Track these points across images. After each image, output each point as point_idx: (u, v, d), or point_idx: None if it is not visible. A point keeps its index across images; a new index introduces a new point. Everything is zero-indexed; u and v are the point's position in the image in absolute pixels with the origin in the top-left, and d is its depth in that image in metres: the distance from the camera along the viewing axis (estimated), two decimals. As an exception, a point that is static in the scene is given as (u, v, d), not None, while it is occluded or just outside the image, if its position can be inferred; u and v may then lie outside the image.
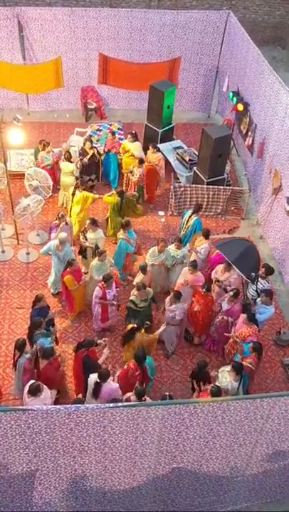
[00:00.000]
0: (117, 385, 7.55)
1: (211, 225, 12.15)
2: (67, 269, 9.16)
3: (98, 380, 7.34)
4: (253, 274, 9.12)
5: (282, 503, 7.69)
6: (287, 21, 19.73)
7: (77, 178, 11.48)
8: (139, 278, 9.30)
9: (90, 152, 11.93)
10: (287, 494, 7.60)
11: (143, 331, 8.31)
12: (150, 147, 12.23)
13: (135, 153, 12.17)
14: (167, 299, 8.92)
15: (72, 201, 10.87)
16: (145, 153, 12.39)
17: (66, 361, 8.82)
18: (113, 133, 12.74)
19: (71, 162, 11.60)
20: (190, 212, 10.70)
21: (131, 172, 11.76)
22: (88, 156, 11.87)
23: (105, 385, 7.35)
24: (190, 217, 10.61)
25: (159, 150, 12.39)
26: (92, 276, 9.39)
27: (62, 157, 11.70)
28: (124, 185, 12.26)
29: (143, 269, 9.26)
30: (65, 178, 11.58)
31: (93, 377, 7.49)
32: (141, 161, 11.65)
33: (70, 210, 10.95)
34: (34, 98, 14.66)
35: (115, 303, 9.18)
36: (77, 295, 9.50)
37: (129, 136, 12.31)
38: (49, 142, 12.08)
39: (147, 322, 8.49)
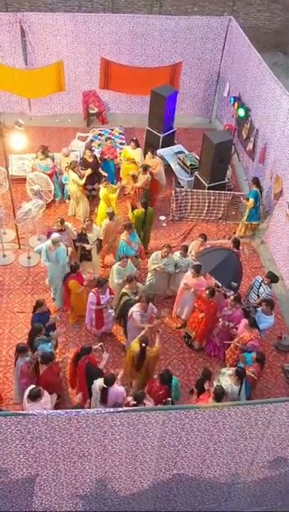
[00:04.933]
0: (123, 388, 7.54)
1: (212, 230, 12.16)
2: (71, 275, 9.21)
3: (105, 386, 7.32)
4: (235, 283, 8.84)
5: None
6: (288, 27, 19.80)
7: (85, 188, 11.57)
8: (104, 222, 10.08)
9: (90, 160, 11.89)
10: (288, 502, 7.55)
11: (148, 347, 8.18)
12: (148, 152, 12.16)
13: (136, 159, 12.17)
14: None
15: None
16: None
17: (66, 366, 8.80)
18: (108, 139, 12.73)
19: (74, 172, 11.40)
20: None
21: (133, 177, 11.73)
22: (88, 172, 11.61)
23: (111, 389, 7.33)
24: None
25: (156, 155, 12.26)
26: (112, 280, 9.48)
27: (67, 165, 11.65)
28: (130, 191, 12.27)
29: (110, 215, 10.07)
30: (71, 186, 11.57)
31: (98, 383, 7.46)
32: (145, 168, 11.62)
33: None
34: (36, 103, 14.70)
35: (112, 312, 9.21)
36: (81, 298, 9.47)
37: (131, 143, 12.32)
38: (44, 151, 11.94)
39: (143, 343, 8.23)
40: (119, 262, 9.36)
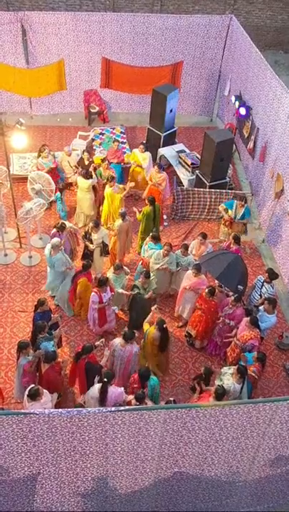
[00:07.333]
0: (122, 389, 7.54)
1: (214, 229, 12.16)
2: (82, 273, 9.29)
3: (105, 379, 7.30)
4: (241, 287, 8.85)
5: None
6: (289, 25, 19.80)
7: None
8: (117, 223, 10.09)
9: (87, 163, 11.83)
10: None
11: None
12: (155, 167, 11.90)
13: (143, 163, 12.13)
14: None
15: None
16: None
17: (68, 365, 8.81)
18: (115, 141, 12.71)
19: (88, 179, 11.14)
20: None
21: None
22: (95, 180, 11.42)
23: (110, 389, 7.32)
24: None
25: (163, 169, 11.92)
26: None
27: (78, 172, 11.60)
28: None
29: (123, 215, 10.09)
30: (81, 194, 11.34)
31: (97, 387, 7.43)
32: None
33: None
34: (37, 102, 14.71)
35: (115, 308, 9.23)
36: (88, 295, 9.43)
37: (141, 146, 12.26)
38: (45, 148, 11.92)
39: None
40: (113, 271, 9.34)
